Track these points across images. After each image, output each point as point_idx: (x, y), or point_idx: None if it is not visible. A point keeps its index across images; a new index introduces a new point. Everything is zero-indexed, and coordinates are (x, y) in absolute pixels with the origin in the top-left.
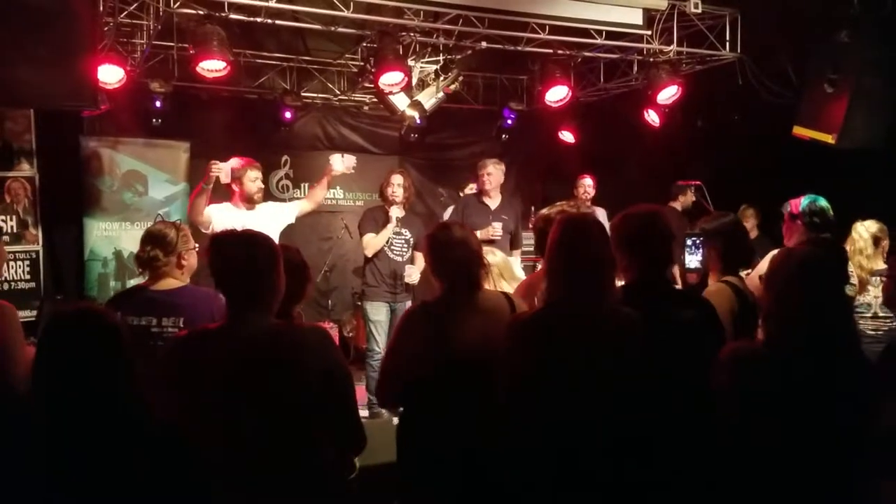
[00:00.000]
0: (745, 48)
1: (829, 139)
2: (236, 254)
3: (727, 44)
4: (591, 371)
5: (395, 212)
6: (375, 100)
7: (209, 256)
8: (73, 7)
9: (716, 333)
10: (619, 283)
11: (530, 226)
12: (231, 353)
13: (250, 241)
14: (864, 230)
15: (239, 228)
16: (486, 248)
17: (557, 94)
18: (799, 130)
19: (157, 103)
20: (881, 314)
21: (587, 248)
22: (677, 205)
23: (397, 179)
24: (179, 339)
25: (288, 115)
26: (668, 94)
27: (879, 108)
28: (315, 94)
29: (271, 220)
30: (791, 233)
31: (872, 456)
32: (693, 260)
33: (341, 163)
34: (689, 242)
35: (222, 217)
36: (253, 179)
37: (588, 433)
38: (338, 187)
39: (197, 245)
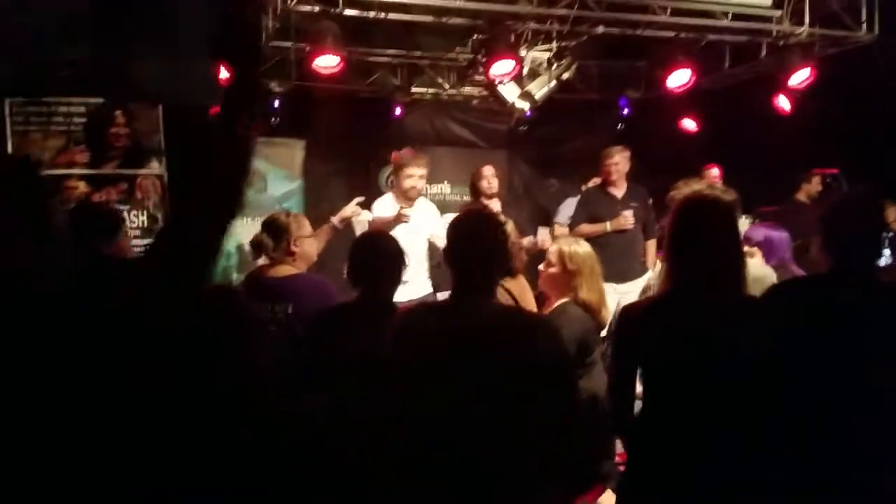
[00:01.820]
0: (884, 28)
1: None
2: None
3: (864, 24)
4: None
5: (495, 205)
6: (484, 93)
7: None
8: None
9: None
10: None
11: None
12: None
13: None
14: None
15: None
16: (568, 239)
17: (680, 79)
18: None
19: (276, 103)
20: None
21: (710, 224)
22: (802, 195)
23: (489, 171)
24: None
25: (397, 111)
26: (800, 78)
27: None
28: (424, 90)
29: (425, 219)
30: None
31: None
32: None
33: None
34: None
35: (379, 209)
36: (408, 176)
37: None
38: (445, 182)
39: (314, 235)
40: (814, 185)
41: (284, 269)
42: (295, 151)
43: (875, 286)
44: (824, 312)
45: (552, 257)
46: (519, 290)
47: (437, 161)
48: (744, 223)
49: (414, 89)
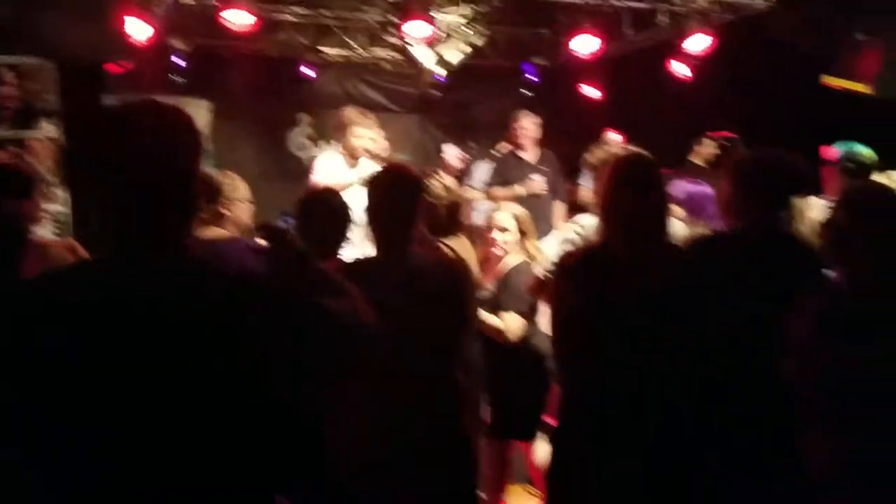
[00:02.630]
0: None
1: (864, 89)
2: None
3: None
4: (639, 311)
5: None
6: (397, 56)
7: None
8: None
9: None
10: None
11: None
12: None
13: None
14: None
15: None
16: (506, 203)
17: (587, 45)
18: (830, 80)
19: (180, 61)
20: None
21: (641, 182)
22: (697, 158)
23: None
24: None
25: (309, 72)
26: (698, 44)
27: None
28: (335, 51)
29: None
30: (828, 180)
31: None
32: None
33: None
34: None
35: (325, 167)
36: (357, 136)
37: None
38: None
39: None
40: (706, 148)
41: (211, 232)
42: (200, 112)
43: (784, 240)
44: (740, 266)
45: (505, 223)
46: (461, 250)
47: (335, 122)
48: None
49: (324, 50)
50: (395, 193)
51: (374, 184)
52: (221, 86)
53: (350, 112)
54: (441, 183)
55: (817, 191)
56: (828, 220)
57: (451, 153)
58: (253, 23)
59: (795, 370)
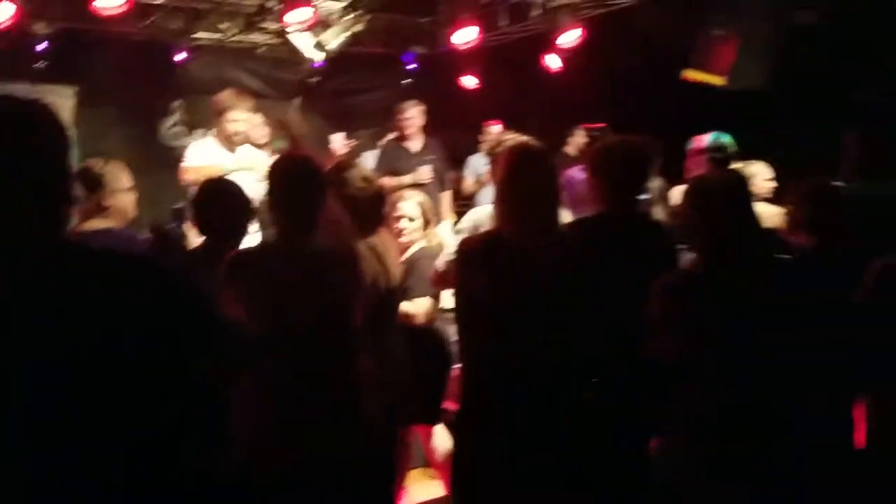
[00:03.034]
0: None
1: (718, 81)
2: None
3: None
4: (536, 292)
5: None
6: (273, 41)
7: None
8: None
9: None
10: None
11: None
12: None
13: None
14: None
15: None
16: (409, 192)
17: (466, 36)
18: (690, 73)
19: (41, 45)
20: None
21: (535, 173)
22: (571, 149)
23: (260, 119)
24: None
25: (180, 57)
26: (569, 37)
27: (765, 50)
28: (207, 35)
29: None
30: (695, 167)
31: None
32: None
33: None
34: None
35: (198, 154)
36: (232, 120)
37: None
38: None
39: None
40: (578, 139)
41: (94, 223)
42: (64, 99)
43: (641, 224)
44: (609, 247)
45: (411, 212)
46: (383, 242)
47: (211, 107)
48: None
49: (197, 35)
50: (296, 180)
51: (274, 170)
52: (87, 71)
53: (226, 95)
54: (359, 174)
55: (680, 178)
56: (679, 207)
57: (338, 141)
58: (123, 4)
59: (656, 345)
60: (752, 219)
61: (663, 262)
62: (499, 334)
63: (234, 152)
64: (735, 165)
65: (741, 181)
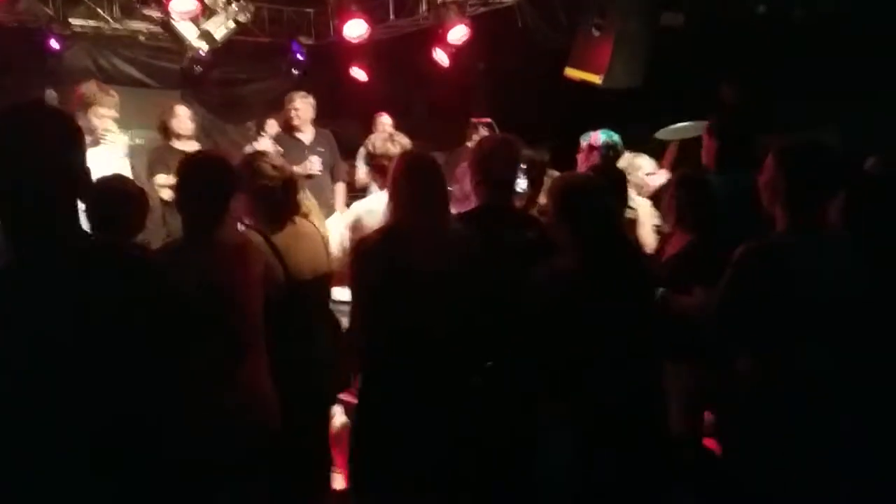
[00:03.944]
0: None
1: (596, 80)
2: None
3: None
4: (431, 281)
5: (192, 147)
6: (154, 29)
7: None
8: None
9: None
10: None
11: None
12: None
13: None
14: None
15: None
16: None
17: (355, 29)
18: (570, 72)
19: None
20: None
21: (425, 179)
22: (472, 143)
23: (184, 111)
24: None
25: (55, 44)
26: (458, 34)
27: (638, 50)
28: (84, 22)
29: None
30: (588, 163)
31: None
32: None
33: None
34: None
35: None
36: (101, 116)
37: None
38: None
39: None
40: (481, 134)
41: None
42: None
43: (514, 215)
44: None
45: None
46: (293, 238)
47: (77, 100)
48: None
49: (72, 21)
50: (203, 177)
51: (183, 167)
52: None
53: (91, 88)
54: (269, 163)
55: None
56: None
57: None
58: None
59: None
60: (613, 216)
61: (534, 256)
62: (393, 322)
63: (97, 146)
64: (623, 156)
65: (608, 179)
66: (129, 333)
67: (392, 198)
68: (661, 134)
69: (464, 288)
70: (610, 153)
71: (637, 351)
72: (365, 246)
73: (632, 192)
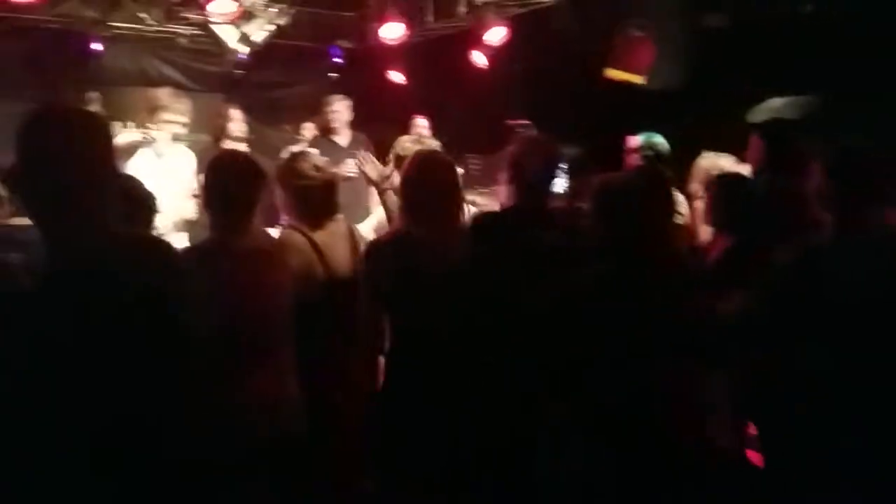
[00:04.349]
0: None
1: (638, 80)
2: None
3: None
4: (439, 283)
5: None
6: (195, 32)
7: None
8: None
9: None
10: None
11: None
12: None
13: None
14: None
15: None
16: None
17: (393, 31)
18: (612, 72)
19: None
20: None
21: (438, 181)
22: None
23: (237, 114)
24: None
25: (96, 47)
26: (496, 35)
27: (680, 50)
28: (126, 25)
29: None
30: (631, 165)
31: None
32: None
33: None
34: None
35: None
36: (166, 121)
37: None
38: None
39: None
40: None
41: (21, 219)
42: None
43: (543, 216)
44: (510, 240)
45: None
46: (336, 232)
47: (144, 103)
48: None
49: (113, 24)
50: (229, 178)
51: (210, 168)
52: None
53: (161, 95)
54: (311, 163)
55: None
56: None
57: None
58: None
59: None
60: (656, 217)
61: (556, 259)
62: (402, 323)
63: (162, 152)
64: (706, 156)
65: (651, 180)
66: (134, 330)
67: (403, 199)
68: (756, 115)
69: (470, 290)
70: (649, 153)
71: (659, 354)
72: (376, 247)
73: (679, 198)
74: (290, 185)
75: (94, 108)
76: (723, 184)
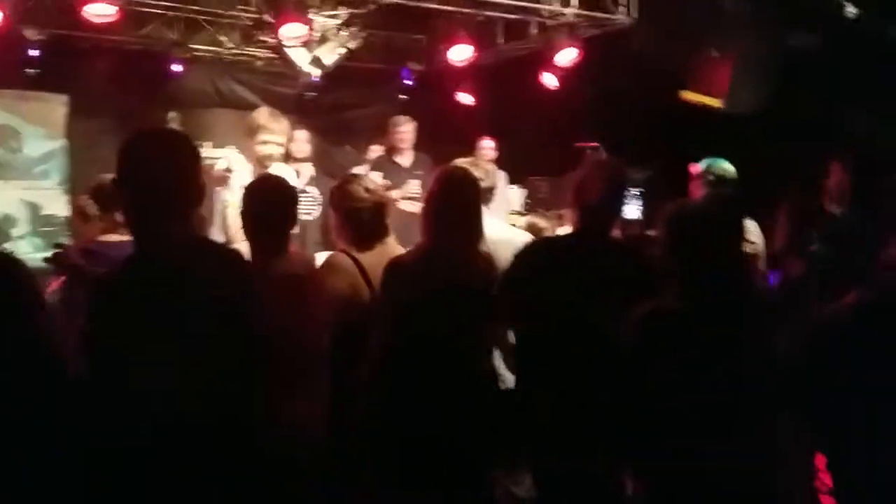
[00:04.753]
0: (639, 13)
1: (716, 103)
2: None
3: (622, 8)
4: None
5: (307, 170)
6: (270, 55)
7: None
8: None
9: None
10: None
11: None
12: None
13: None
14: None
15: None
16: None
17: (461, 53)
18: (687, 95)
19: (33, 52)
20: None
21: (458, 197)
22: None
23: (302, 135)
24: None
25: (176, 68)
26: (567, 57)
27: (763, 72)
28: (205, 47)
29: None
30: (695, 192)
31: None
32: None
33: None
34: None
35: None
36: (263, 142)
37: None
38: (230, 146)
39: None
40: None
41: (112, 236)
42: (55, 108)
43: (607, 243)
44: (556, 266)
45: None
46: (384, 255)
47: (221, 124)
48: (516, 193)
49: (193, 46)
50: (267, 203)
51: (247, 192)
52: (80, 80)
53: (260, 115)
54: (362, 186)
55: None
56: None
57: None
58: (114, 13)
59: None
60: (730, 247)
61: (631, 289)
62: (413, 335)
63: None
64: None
65: (724, 207)
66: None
67: (426, 215)
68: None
69: (485, 308)
70: (710, 178)
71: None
72: (398, 264)
73: (750, 225)
74: (340, 207)
75: (173, 126)
76: (795, 213)
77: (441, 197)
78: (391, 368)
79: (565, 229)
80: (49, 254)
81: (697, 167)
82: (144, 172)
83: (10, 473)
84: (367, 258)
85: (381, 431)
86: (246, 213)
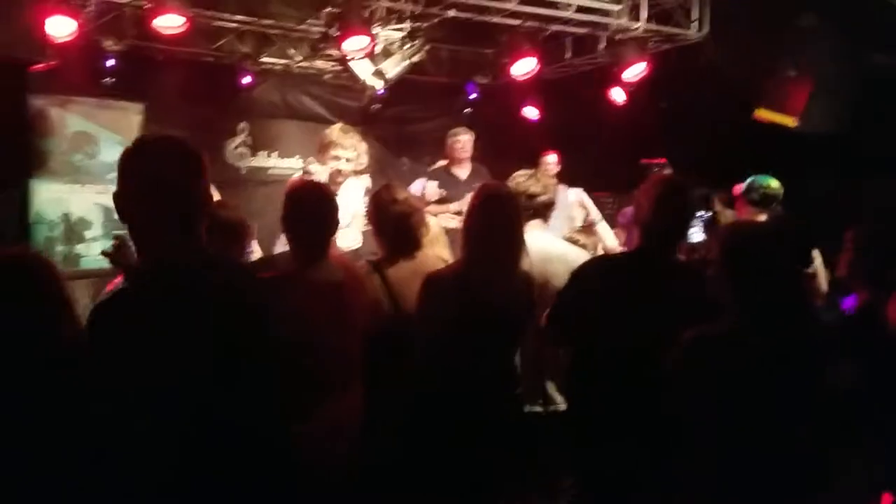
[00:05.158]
0: (711, 28)
1: (790, 122)
2: None
3: (694, 23)
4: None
5: (364, 181)
6: (337, 68)
7: None
8: None
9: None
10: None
11: None
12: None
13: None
14: None
15: None
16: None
17: (525, 67)
18: (761, 113)
19: (110, 62)
20: None
21: (498, 214)
22: None
23: (362, 147)
24: None
25: (247, 80)
26: (635, 71)
27: (841, 92)
28: (274, 60)
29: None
30: (740, 212)
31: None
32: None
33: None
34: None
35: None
36: (334, 158)
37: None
38: (297, 156)
39: None
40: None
41: None
42: (131, 116)
43: (669, 265)
44: (617, 286)
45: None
46: (423, 265)
47: (288, 135)
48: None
49: (263, 59)
50: (306, 210)
51: (287, 198)
52: (155, 89)
53: (332, 132)
54: (392, 194)
55: None
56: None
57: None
58: (182, 25)
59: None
60: (784, 270)
61: (692, 313)
62: (447, 351)
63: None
64: None
65: (777, 228)
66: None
67: (464, 232)
68: None
69: (520, 329)
70: (752, 196)
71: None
72: (433, 281)
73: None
74: (370, 216)
75: (243, 137)
76: (862, 239)
77: (478, 214)
78: (423, 389)
79: (612, 247)
80: (108, 247)
81: (740, 186)
82: (146, 182)
83: (10, 473)
84: (394, 271)
85: (410, 449)
86: (285, 219)
